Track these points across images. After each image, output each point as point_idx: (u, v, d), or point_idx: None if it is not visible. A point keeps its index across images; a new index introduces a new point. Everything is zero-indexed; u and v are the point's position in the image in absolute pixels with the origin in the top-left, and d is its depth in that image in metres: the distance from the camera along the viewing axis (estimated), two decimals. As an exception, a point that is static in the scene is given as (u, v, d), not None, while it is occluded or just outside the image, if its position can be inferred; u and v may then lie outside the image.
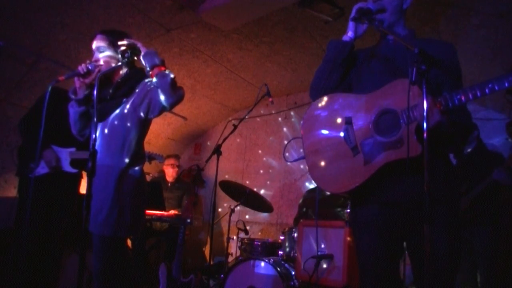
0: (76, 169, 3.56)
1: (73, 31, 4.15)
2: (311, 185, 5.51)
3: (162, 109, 2.50)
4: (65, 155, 3.51)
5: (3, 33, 3.86)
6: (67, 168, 3.51)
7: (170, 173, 5.95)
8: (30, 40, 4.01)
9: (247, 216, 6.08)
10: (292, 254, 3.94)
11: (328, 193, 3.90)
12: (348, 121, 2.00)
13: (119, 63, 2.52)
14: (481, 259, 3.85)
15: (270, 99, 4.14)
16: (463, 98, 1.70)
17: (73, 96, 2.57)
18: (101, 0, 3.84)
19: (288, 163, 5.97)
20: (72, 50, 4.36)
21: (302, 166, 5.85)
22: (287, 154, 5.81)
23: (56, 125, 3.25)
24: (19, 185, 3.59)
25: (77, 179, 3.73)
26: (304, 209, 4.79)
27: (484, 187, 3.79)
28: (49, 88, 2.31)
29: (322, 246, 3.54)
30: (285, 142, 6.24)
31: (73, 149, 3.52)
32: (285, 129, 6.31)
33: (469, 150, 4.09)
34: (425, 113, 1.59)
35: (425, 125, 1.59)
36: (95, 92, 2.17)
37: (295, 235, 3.93)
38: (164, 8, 4.03)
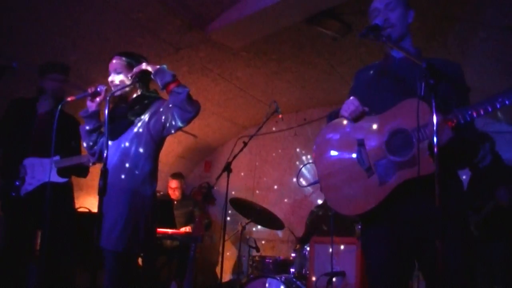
0: (65, 178, 3.40)
1: (84, 52, 4.22)
2: (322, 201, 5.48)
3: (178, 127, 2.50)
4: (50, 165, 3.35)
5: (15, 55, 3.93)
6: (55, 178, 3.33)
7: (173, 195, 5.92)
8: (42, 61, 4.07)
9: (258, 233, 6.05)
10: (303, 272, 3.91)
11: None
12: (360, 143, 2.01)
13: (130, 85, 2.57)
14: (498, 274, 3.80)
15: (280, 116, 4.16)
16: (474, 113, 1.71)
17: (84, 114, 2.67)
18: (112, 21, 3.91)
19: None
20: (83, 71, 4.42)
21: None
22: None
23: (34, 135, 3.23)
24: (4, 204, 3.42)
25: (69, 189, 3.60)
26: (314, 227, 4.75)
27: (491, 208, 3.76)
28: (59, 107, 2.36)
29: (334, 263, 3.51)
30: (295, 156, 6.23)
31: (57, 158, 3.36)
32: (295, 145, 6.30)
33: (484, 164, 4.04)
34: (434, 128, 1.60)
35: (435, 139, 1.59)
36: (106, 112, 2.20)
37: (306, 252, 3.90)
38: (173, 28, 4.08)
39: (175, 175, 6.01)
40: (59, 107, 2.38)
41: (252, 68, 4.93)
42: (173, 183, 5.91)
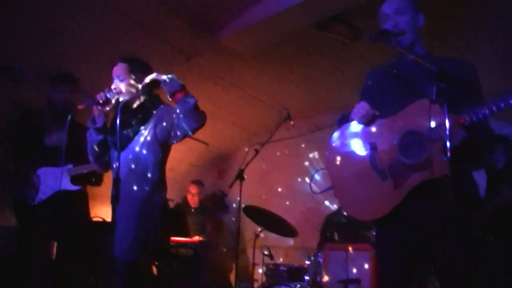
0: (79, 185, 3.46)
1: (86, 52, 4.23)
2: (335, 207, 5.44)
3: (184, 135, 2.48)
4: (64, 173, 3.42)
5: (17, 55, 3.92)
6: (69, 186, 3.41)
7: (191, 200, 5.96)
8: (44, 61, 4.10)
9: (271, 241, 6.02)
10: (318, 279, 3.87)
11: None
12: (372, 147, 2.00)
13: (139, 92, 2.53)
14: (500, 274, 3.73)
15: (292, 123, 4.14)
16: (487, 111, 1.69)
17: (91, 125, 2.61)
18: (123, 29, 3.94)
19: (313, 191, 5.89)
20: (84, 69, 4.41)
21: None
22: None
23: (46, 145, 3.26)
24: (18, 214, 3.48)
25: (84, 196, 3.62)
26: (328, 234, 4.73)
27: (494, 208, 3.70)
28: (69, 118, 2.37)
29: (349, 270, 3.47)
30: (307, 163, 6.21)
31: (70, 166, 3.43)
32: (307, 152, 6.27)
33: (499, 166, 3.97)
34: (447, 131, 1.58)
35: (448, 143, 1.58)
36: (117, 121, 2.21)
37: (321, 259, 3.88)
38: (184, 36, 4.10)
39: (196, 181, 6.11)
40: (69, 117, 2.38)
41: (262, 75, 4.94)
42: (193, 189, 6.00)
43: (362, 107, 2.03)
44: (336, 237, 4.62)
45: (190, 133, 2.47)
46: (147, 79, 2.50)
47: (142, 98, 2.64)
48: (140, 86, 2.56)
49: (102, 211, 5.17)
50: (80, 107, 2.51)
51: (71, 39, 4.07)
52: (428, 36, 3.75)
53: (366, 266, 3.42)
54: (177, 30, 4.02)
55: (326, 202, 5.83)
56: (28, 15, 3.71)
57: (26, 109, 3.61)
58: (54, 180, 3.36)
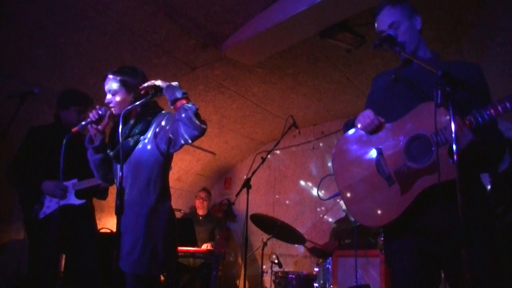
0: (83, 199, 3.46)
1: (102, 75, 4.28)
2: (343, 214, 5.42)
3: (184, 143, 2.39)
4: (69, 188, 3.45)
5: (36, 80, 4.02)
6: (73, 200, 3.43)
7: (200, 206, 6.00)
8: (62, 85, 4.15)
9: (280, 249, 6.00)
10: (327, 286, 3.85)
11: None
12: (378, 152, 1.99)
13: (143, 100, 2.46)
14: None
15: (297, 130, 4.15)
16: (493, 112, 1.66)
17: (89, 145, 2.57)
18: (128, 43, 3.98)
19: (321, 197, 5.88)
20: (102, 93, 4.47)
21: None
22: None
23: (52, 160, 3.25)
24: (27, 229, 3.48)
25: (89, 211, 3.62)
26: (337, 240, 4.71)
27: None
28: (64, 141, 2.34)
29: (358, 276, 3.45)
30: (314, 170, 6.20)
31: (75, 181, 3.46)
32: (313, 159, 6.27)
33: (503, 168, 3.94)
34: (453, 135, 1.57)
35: (454, 146, 1.56)
36: (120, 130, 2.21)
37: (329, 266, 3.86)
38: (188, 47, 4.13)
39: (205, 189, 6.28)
40: (64, 140, 2.35)
41: (268, 84, 4.95)
42: (203, 193, 6.11)
43: (367, 115, 2.01)
44: (345, 243, 4.59)
45: (189, 141, 2.37)
46: (148, 83, 2.48)
47: (140, 107, 2.56)
48: (133, 95, 2.53)
49: (109, 222, 5.20)
50: (74, 129, 2.44)
51: (87, 63, 4.13)
52: (441, 42, 3.77)
53: (376, 272, 3.40)
54: (181, 42, 4.05)
55: (335, 209, 5.82)
56: (45, 41, 3.77)
57: (34, 125, 3.63)
58: (58, 194, 3.37)
